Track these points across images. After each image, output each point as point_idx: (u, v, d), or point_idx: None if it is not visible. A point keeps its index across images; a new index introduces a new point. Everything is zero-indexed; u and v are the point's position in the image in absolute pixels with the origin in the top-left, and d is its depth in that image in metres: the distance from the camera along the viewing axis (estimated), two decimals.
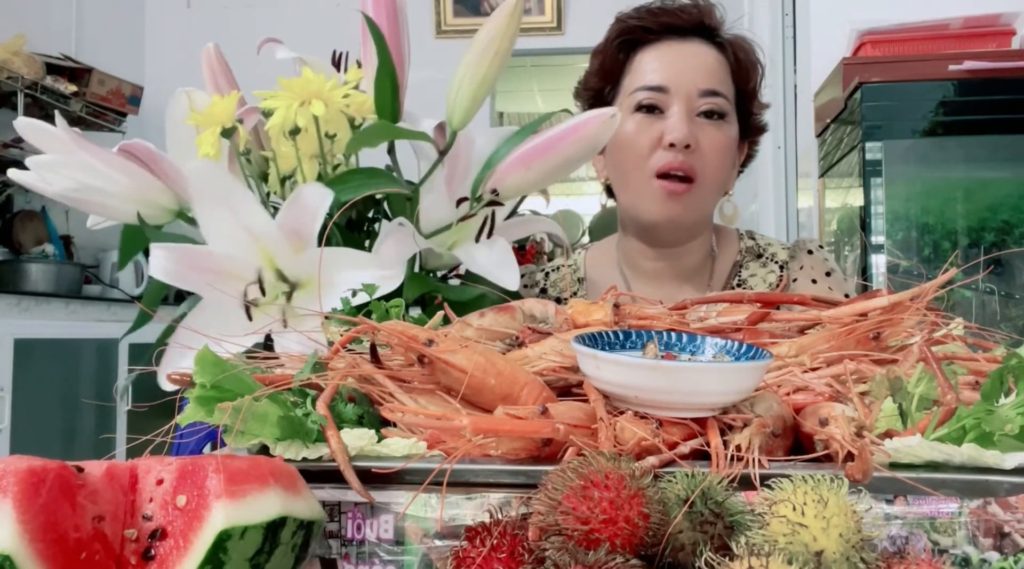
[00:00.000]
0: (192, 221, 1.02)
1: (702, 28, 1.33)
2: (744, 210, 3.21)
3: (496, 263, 1.01)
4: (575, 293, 1.44)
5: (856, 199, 2.12)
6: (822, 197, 2.57)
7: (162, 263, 0.91)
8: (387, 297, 0.87)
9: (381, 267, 0.93)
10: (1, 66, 3.48)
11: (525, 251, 2.97)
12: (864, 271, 2.11)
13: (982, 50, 2.02)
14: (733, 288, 1.39)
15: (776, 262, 1.40)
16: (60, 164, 0.98)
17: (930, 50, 2.08)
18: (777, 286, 1.36)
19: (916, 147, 2.08)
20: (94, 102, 3.93)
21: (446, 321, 0.83)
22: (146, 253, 1.04)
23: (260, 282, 0.92)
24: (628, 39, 1.35)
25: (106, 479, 0.56)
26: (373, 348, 0.74)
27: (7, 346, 3.05)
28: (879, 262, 2.09)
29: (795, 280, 1.39)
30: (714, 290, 1.39)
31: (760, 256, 1.42)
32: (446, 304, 0.86)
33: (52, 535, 0.52)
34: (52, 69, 3.80)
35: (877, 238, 2.07)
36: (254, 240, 0.93)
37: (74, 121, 4.02)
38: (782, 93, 3.05)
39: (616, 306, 0.83)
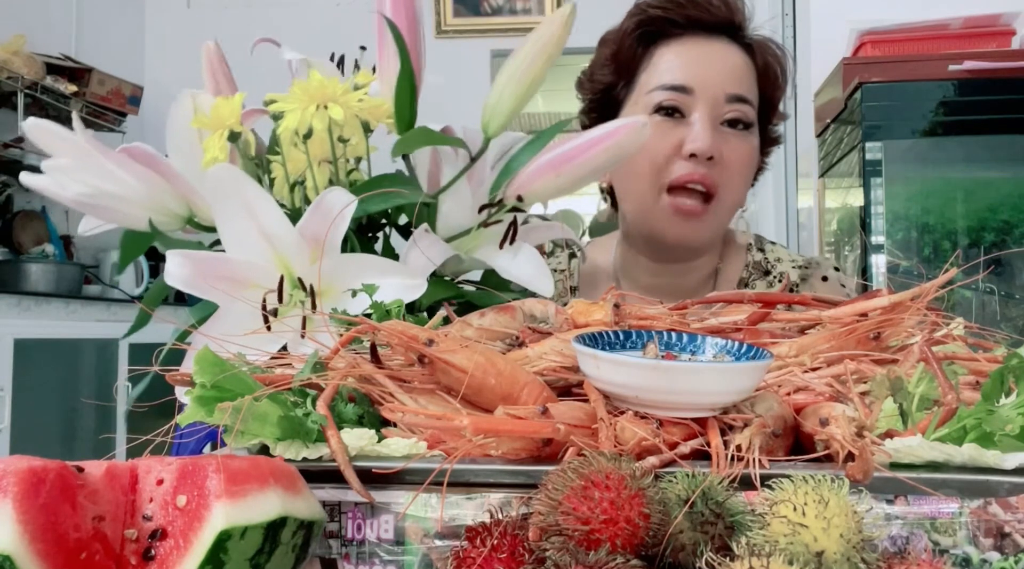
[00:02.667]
0: (200, 226, 1.01)
1: (730, 26, 1.21)
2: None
3: (529, 271, 0.99)
4: (566, 304, 1.40)
5: (856, 199, 2.12)
6: (822, 197, 2.57)
7: (178, 270, 0.88)
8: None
9: (406, 275, 0.90)
10: (1, 66, 3.48)
11: None
12: (864, 271, 2.11)
13: (982, 50, 2.02)
14: None
15: (783, 283, 1.29)
16: (76, 168, 0.95)
17: (930, 50, 2.08)
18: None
19: (916, 147, 2.08)
20: (94, 102, 3.93)
21: (446, 321, 0.83)
22: (145, 254, 1.03)
23: (280, 290, 0.89)
24: (649, 31, 1.22)
25: (106, 479, 0.56)
26: (373, 348, 0.74)
27: (7, 346, 3.05)
28: (879, 262, 2.09)
29: None
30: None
31: (768, 273, 1.30)
32: (446, 304, 0.86)
33: (52, 535, 0.52)
34: (52, 69, 3.80)
35: (877, 238, 2.07)
36: (273, 247, 0.90)
37: None
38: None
39: (616, 306, 0.83)
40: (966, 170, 2.16)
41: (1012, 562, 0.57)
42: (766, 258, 1.31)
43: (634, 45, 1.23)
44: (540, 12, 4.57)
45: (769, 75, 1.24)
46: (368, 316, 0.81)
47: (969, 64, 1.96)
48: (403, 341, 0.69)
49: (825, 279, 1.30)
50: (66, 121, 0.97)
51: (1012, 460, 0.59)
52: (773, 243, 1.36)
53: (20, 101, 3.55)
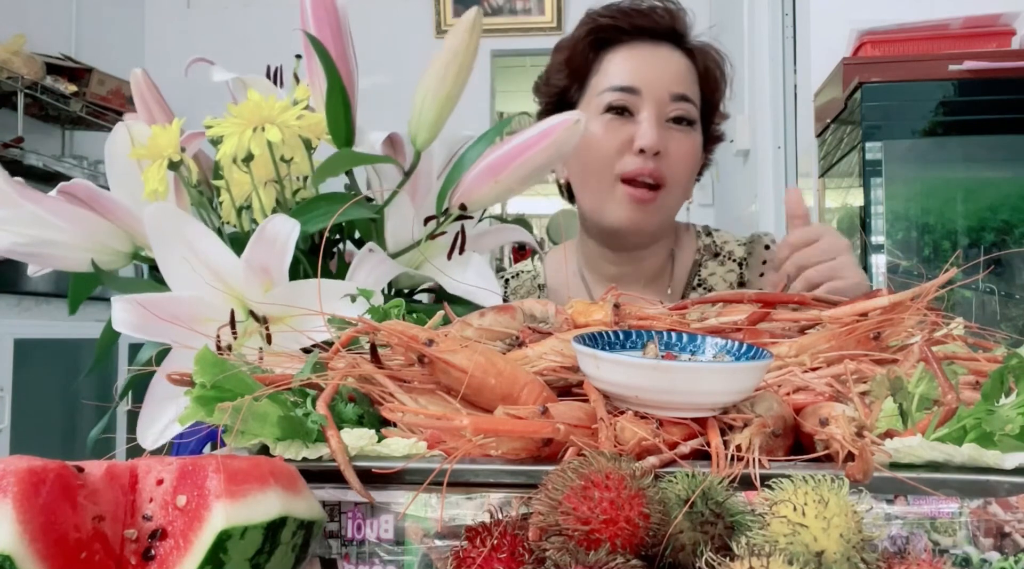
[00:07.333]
0: (148, 259, 0.98)
1: (673, 33, 1.32)
2: (744, 210, 3.21)
3: (475, 283, 0.99)
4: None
5: (856, 199, 2.12)
6: (822, 197, 2.57)
7: (125, 316, 0.84)
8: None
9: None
10: (1, 66, 3.48)
11: (524, 251, 2.97)
12: (864, 271, 2.11)
13: (982, 50, 2.02)
14: (693, 289, 1.39)
15: (734, 260, 1.40)
16: (7, 219, 0.93)
17: (930, 50, 2.08)
18: (779, 285, 1.35)
19: (916, 147, 2.08)
20: (94, 102, 3.93)
21: (446, 321, 0.83)
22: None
23: (232, 324, 0.86)
24: (599, 37, 1.33)
25: (106, 479, 0.56)
26: (373, 348, 0.74)
27: (7, 346, 3.05)
28: (879, 262, 2.09)
29: (761, 275, 1.38)
30: (674, 292, 1.39)
31: (717, 254, 1.41)
32: (446, 304, 0.86)
33: (52, 535, 0.52)
34: (52, 69, 3.80)
35: (877, 238, 2.07)
36: (220, 281, 0.88)
37: (74, 121, 4.02)
38: (782, 93, 3.05)
39: (616, 306, 0.83)
40: (966, 170, 2.16)
41: (1012, 562, 0.57)
42: (714, 241, 1.44)
43: (586, 51, 1.34)
44: (540, 12, 4.57)
45: (709, 78, 1.35)
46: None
47: (969, 64, 1.96)
48: (403, 341, 0.69)
49: (768, 247, 1.41)
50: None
51: (1012, 460, 0.59)
52: (717, 229, 1.48)
53: (20, 101, 3.55)
